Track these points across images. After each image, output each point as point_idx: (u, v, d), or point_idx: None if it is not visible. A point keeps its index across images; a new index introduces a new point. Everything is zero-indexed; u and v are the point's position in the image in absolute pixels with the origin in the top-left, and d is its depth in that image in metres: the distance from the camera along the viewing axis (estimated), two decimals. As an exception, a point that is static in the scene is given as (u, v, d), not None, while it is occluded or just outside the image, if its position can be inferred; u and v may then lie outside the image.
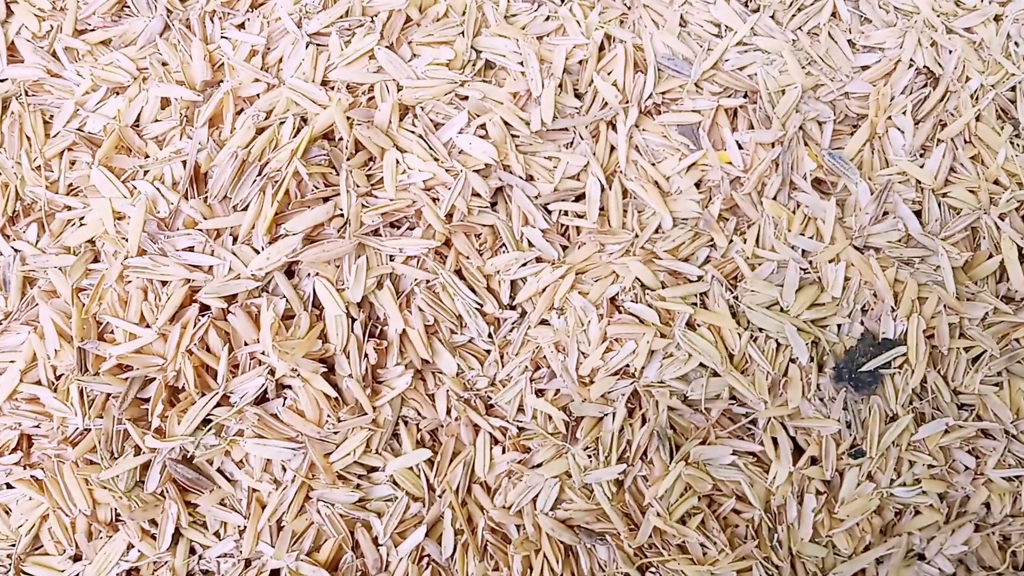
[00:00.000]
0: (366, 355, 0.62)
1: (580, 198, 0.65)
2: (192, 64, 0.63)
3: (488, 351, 0.64)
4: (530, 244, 0.64)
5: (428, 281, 0.63)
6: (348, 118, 0.61)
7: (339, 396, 0.62)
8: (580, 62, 0.66)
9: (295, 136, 0.60)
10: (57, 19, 0.67)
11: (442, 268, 0.62)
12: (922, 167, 0.67)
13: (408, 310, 0.63)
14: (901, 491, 0.65)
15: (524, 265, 0.63)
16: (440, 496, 0.63)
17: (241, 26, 0.65)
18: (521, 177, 0.64)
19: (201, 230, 0.60)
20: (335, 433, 0.61)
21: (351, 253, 0.61)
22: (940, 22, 0.70)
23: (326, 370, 0.61)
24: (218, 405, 0.60)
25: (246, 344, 0.60)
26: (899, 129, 0.68)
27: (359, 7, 0.65)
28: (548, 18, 0.68)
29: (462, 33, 0.65)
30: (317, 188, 0.61)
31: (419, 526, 0.62)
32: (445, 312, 0.63)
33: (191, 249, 0.60)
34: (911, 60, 0.69)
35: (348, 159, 0.61)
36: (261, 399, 0.61)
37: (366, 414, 0.61)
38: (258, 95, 0.63)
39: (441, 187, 0.62)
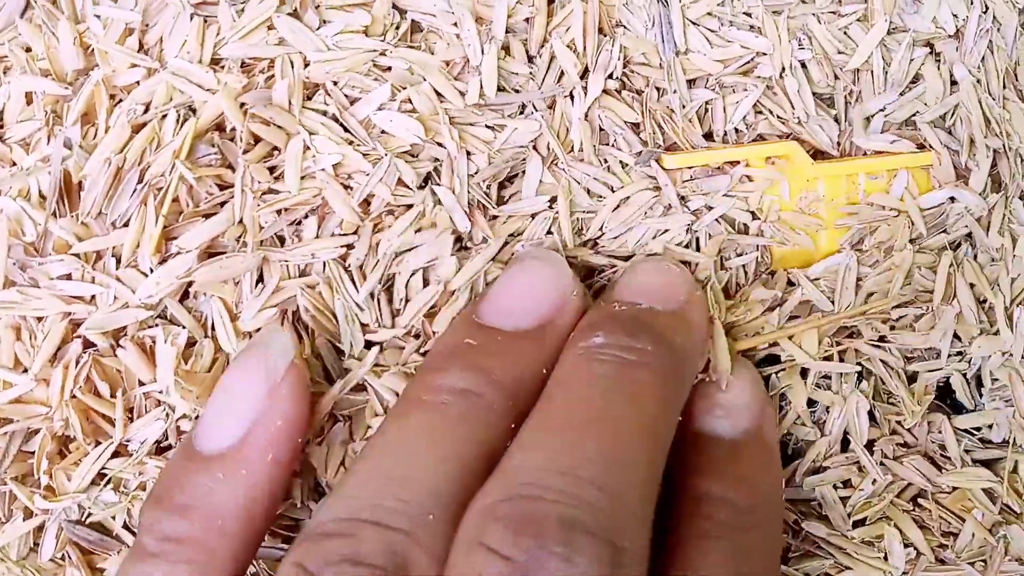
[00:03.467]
0: (288, 385, 0.52)
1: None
2: (60, 49, 0.53)
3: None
4: (476, 239, 0.53)
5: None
6: (241, 104, 0.50)
7: (258, 435, 0.52)
8: (527, 20, 0.54)
9: (180, 132, 0.50)
10: (-101, 0, 0.56)
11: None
12: None
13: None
14: None
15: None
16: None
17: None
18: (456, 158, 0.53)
19: (76, 255, 0.50)
20: (256, 480, 0.52)
21: (251, 269, 0.50)
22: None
23: (240, 406, 0.52)
24: (115, 455, 0.51)
25: (141, 384, 0.51)
26: None
27: (250, -32, 0.53)
28: (484, -35, 0.55)
29: (380, -10, 0.54)
30: (211, 193, 0.50)
31: None
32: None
33: (68, 277, 0.51)
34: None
35: (245, 152, 0.51)
36: (164, 447, 0.52)
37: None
38: (137, 83, 0.52)
39: (358, 174, 0.51)
